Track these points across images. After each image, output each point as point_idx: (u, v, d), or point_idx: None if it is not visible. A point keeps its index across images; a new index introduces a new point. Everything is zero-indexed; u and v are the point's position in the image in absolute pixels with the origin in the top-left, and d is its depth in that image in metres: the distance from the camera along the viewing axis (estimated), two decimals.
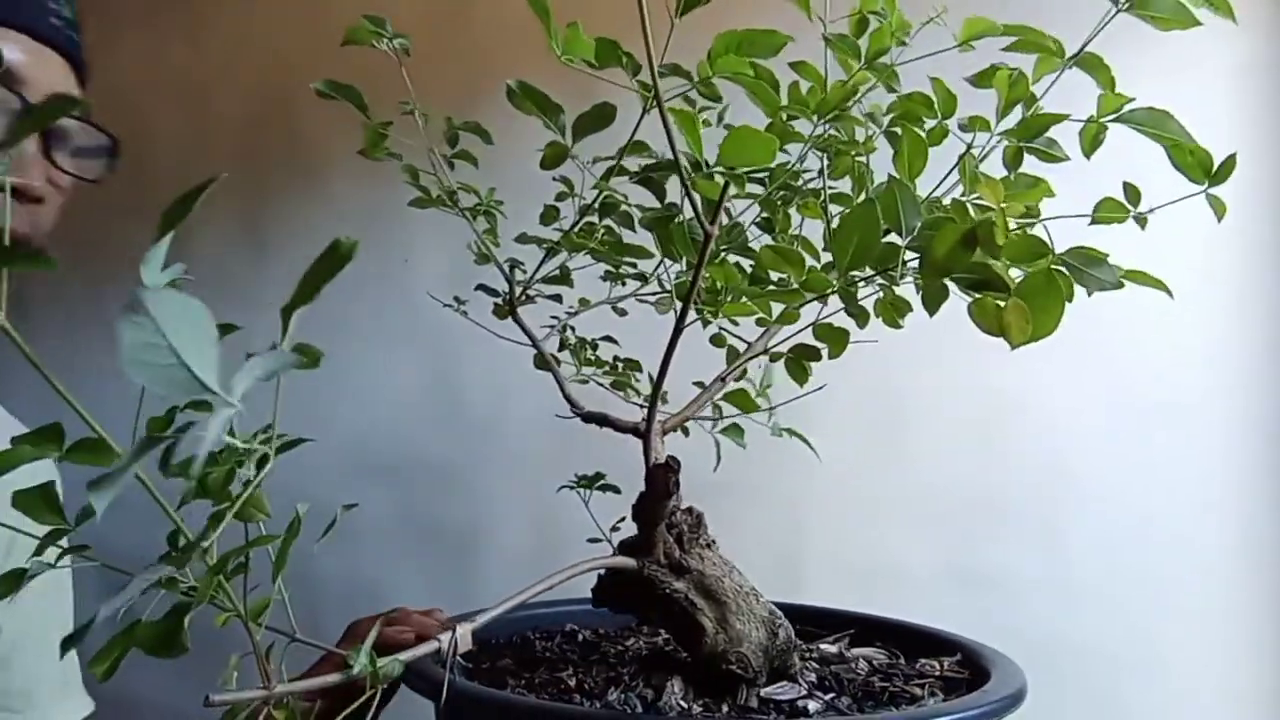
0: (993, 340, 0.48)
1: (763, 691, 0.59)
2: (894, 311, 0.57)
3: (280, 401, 0.42)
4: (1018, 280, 0.47)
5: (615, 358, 0.81)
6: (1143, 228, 0.57)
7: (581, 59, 0.52)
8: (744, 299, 0.62)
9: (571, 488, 0.76)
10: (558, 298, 0.78)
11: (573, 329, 0.80)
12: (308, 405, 1.64)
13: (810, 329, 0.64)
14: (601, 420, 0.68)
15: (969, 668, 0.66)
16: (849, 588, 1.37)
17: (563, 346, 0.79)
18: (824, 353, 0.66)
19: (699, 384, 0.72)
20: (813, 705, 0.57)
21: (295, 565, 0.61)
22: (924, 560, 1.36)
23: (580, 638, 0.78)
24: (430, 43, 1.64)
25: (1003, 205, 0.46)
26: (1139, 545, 1.30)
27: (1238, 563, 1.28)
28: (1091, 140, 0.56)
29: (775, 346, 0.69)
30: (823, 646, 0.70)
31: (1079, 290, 0.49)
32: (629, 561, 0.62)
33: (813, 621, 0.78)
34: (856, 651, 0.69)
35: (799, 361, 0.66)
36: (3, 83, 0.69)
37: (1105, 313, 1.31)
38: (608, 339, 0.82)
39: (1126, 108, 0.54)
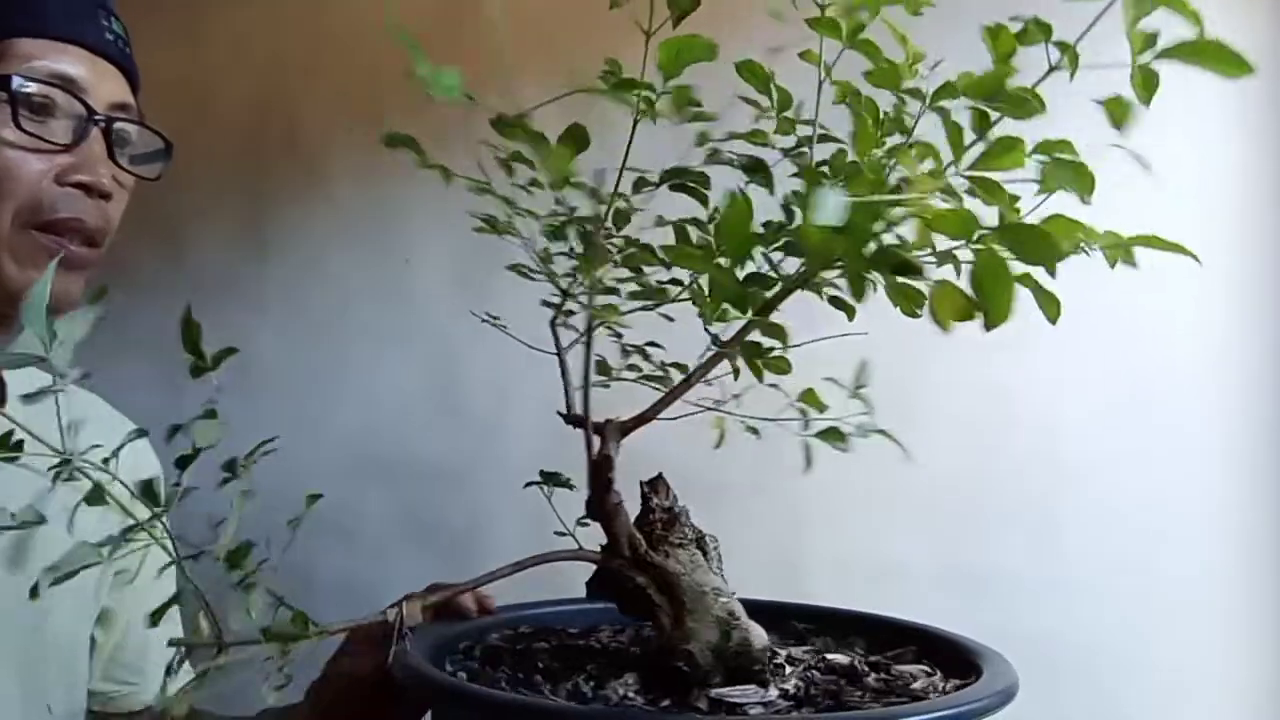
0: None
1: (717, 692, 0.59)
2: (907, 300, 0.54)
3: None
4: (965, 262, 0.45)
5: (662, 362, 0.81)
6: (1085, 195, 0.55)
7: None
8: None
9: (536, 484, 0.78)
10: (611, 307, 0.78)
11: (619, 335, 0.80)
12: (308, 405, 1.64)
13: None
14: (577, 422, 0.69)
15: (962, 664, 0.66)
16: (849, 587, 1.37)
17: (625, 354, 0.79)
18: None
19: (774, 386, 0.72)
20: (755, 710, 0.57)
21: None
22: (924, 559, 1.37)
23: (578, 634, 0.78)
24: (430, 46, 1.63)
25: (920, 174, 0.44)
26: (1138, 544, 1.30)
27: (1238, 563, 1.28)
28: (1144, 83, 0.49)
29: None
30: (793, 651, 0.70)
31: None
32: (593, 554, 0.63)
33: (811, 621, 0.78)
34: (834, 658, 0.69)
35: (751, 360, 0.65)
36: (70, 91, 0.77)
37: (1104, 313, 1.31)
38: (653, 344, 0.82)
39: (1160, 44, 0.50)
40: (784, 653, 0.68)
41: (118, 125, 0.81)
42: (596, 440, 0.65)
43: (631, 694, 0.59)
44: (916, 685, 0.62)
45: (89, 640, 0.89)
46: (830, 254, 0.46)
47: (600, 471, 0.63)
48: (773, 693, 0.59)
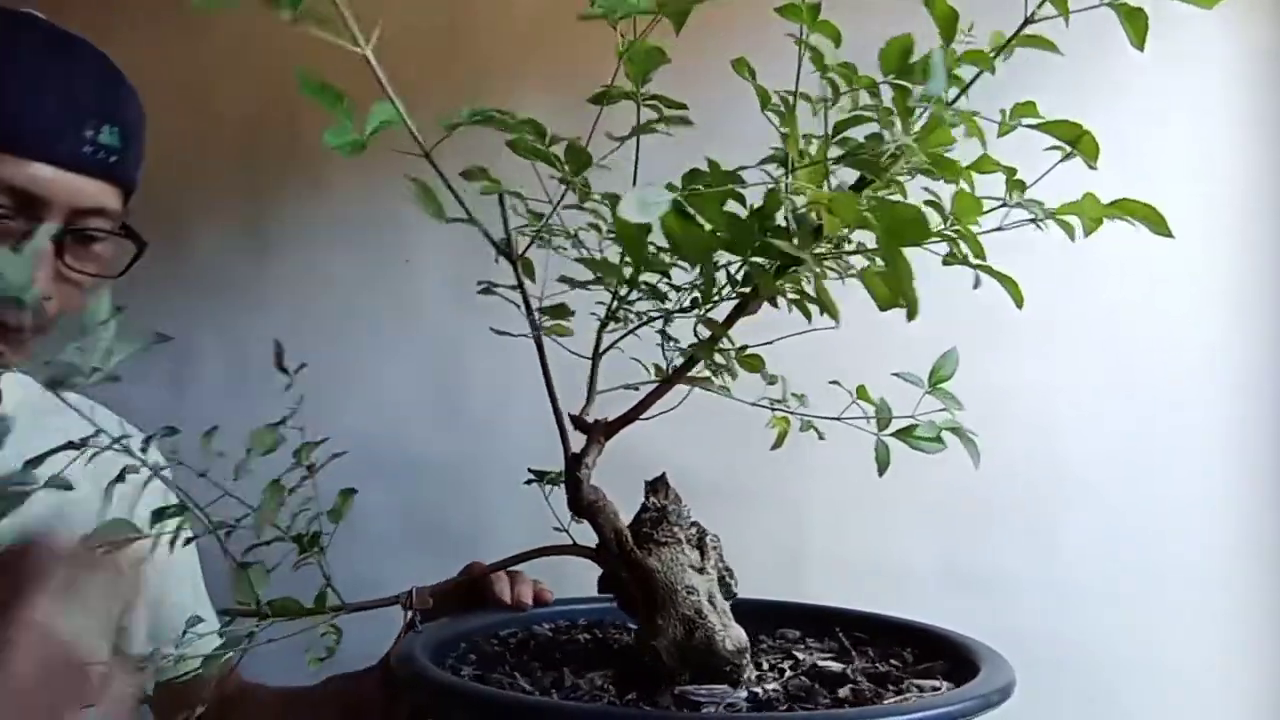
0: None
1: (682, 689, 0.59)
2: (883, 285, 0.51)
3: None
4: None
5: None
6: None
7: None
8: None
9: (534, 482, 0.78)
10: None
11: (665, 331, 0.79)
12: (309, 405, 1.64)
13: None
14: (578, 422, 0.69)
15: (964, 665, 0.66)
16: (849, 587, 1.37)
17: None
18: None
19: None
20: (710, 709, 0.57)
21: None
22: (924, 560, 1.37)
23: (582, 630, 0.79)
24: (431, 49, 1.63)
25: (803, 164, 0.43)
26: (1138, 545, 1.30)
27: (1237, 562, 1.28)
28: (1132, 21, 0.47)
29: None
30: (797, 653, 0.70)
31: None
32: (587, 549, 0.65)
33: (810, 620, 0.78)
34: (823, 660, 0.68)
35: (708, 357, 0.64)
36: (19, 204, 0.78)
37: (1104, 313, 1.31)
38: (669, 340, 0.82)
39: None
40: (787, 655, 0.68)
41: (89, 223, 0.82)
42: (581, 440, 0.66)
43: (607, 686, 0.61)
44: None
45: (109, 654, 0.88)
46: (699, 249, 0.44)
47: (570, 470, 0.64)
48: (741, 693, 0.59)
